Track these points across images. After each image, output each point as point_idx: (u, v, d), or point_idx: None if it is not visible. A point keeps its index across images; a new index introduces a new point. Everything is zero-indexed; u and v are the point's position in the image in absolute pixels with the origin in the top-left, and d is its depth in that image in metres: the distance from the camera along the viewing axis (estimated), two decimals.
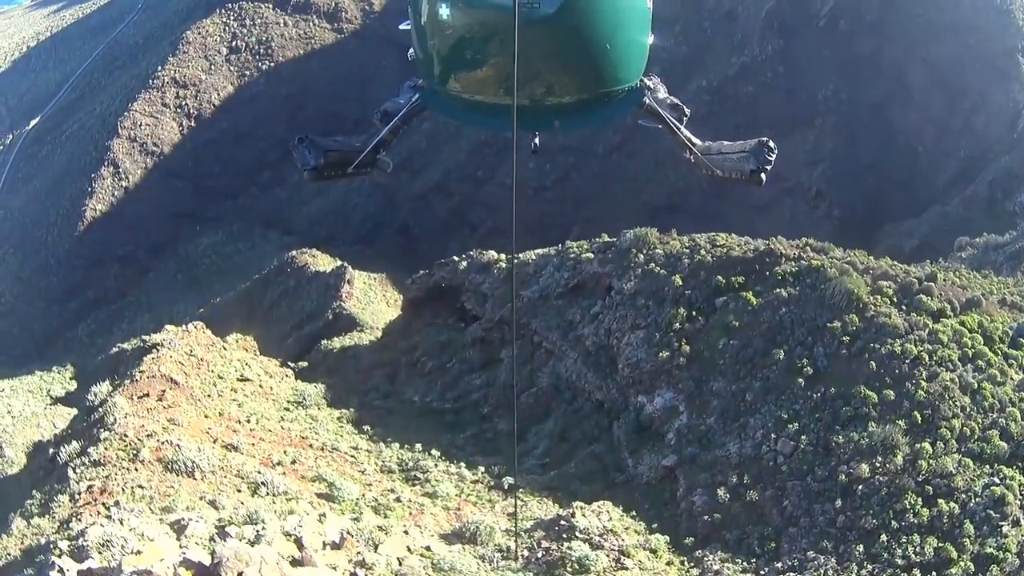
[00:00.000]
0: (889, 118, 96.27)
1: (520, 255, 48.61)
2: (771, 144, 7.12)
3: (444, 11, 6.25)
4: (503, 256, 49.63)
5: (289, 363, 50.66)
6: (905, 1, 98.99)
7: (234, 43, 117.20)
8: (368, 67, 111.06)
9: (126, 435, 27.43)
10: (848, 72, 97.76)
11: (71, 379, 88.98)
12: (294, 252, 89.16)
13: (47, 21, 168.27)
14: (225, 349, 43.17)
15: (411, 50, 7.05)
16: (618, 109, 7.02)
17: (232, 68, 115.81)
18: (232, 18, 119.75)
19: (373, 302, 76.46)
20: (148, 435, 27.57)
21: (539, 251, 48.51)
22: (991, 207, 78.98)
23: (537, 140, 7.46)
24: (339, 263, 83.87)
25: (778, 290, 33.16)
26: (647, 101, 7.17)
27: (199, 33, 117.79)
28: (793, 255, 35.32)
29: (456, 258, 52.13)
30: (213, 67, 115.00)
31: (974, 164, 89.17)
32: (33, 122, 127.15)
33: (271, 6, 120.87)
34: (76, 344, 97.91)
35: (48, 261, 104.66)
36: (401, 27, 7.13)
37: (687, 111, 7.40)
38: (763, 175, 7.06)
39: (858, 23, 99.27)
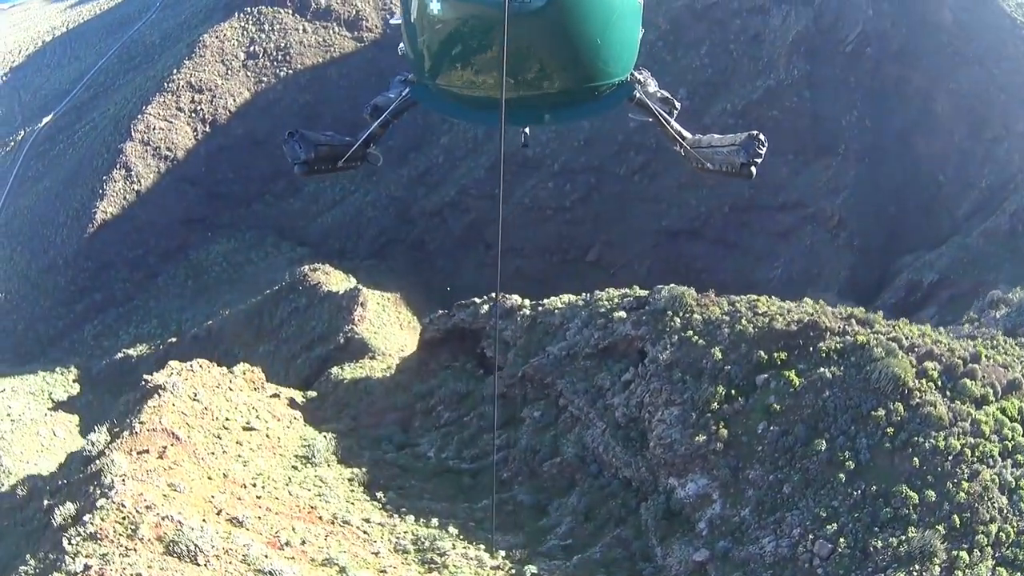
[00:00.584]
0: (912, 146, 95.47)
1: (545, 301, 46.96)
2: (761, 137, 7.16)
3: (434, 6, 6.30)
4: (526, 302, 47.85)
5: (295, 398, 48.97)
6: (932, 29, 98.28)
7: (252, 48, 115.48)
8: (387, 76, 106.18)
9: (124, 505, 25.92)
10: (873, 99, 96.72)
11: (74, 382, 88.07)
12: (306, 268, 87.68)
13: (63, 16, 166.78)
14: (231, 390, 41.55)
15: (401, 45, 7.25)
16: (608, 103, 7.08)
17: (249, 74, 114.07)
18: (251, 23, 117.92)
19: (386, 325, 74.96)
20: (147, 506, 26.02)
21: (566, 299, 46.70)
22: (1011, 240, 78.58)
23: (527, 131, 7.93)
24: (352, 284, 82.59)
25: (822, 369, 31.53)
26: (637, 94, 7.30)
27: (216, 37, 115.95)
28: (837, 329, 33.61)
29: (477, 300, 50.36)
30: (230, 72, 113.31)
31: (995, 194, 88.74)
32: (46, 119, 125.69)
33: (291, 12, 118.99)
34: (81, 346, 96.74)
35: (56, 261, 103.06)
36: (391, 21, 6.95)
37: (677, 104, 7.60)
38: (753, 168, 7.10)
39: (885, 50, 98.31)
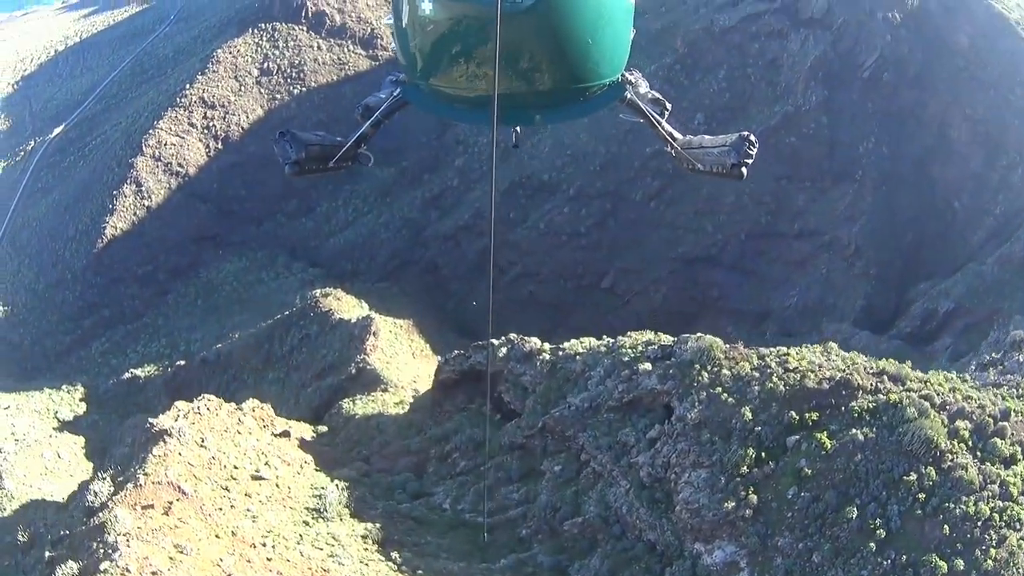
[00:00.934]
0: (929, 173, 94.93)
1: (565, 345, 45.92)
2: (752, 138, 7.22)
3: (425, 6, 6.34)
4: (546, 346, 46.77)
5: (305, 435, 47.91)
6: (949, 54, 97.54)
7: (265, 65, 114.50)
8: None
9: (129, 570, 25.01)
10: (890, 125, 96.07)
11: (80, 400, 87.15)
12: (318, 293, 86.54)
13: (76, 25, 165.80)
14: (239, 433, 40.56)
15: (393, 46, 7.14)
16: (599, 103, 7.08)
17: (263, 90, 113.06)
18: (264, 39, 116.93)
19: (399, 354, 73.72)
20: (153, 572, 25.10)
21: (587, 343, 45.59)
22: None
23: (518, 130, 7.90)
24: (365, 309, 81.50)
25: (854, 431, 30.69)
26: (628, 95, 7.34)
27: (230, 53, 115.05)
28: (870, 387, 32.60)
29: (495, 342, 49.25)
30: (243, 88, 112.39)
31: (1010, 221, 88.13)
32: (57, 130, 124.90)
33: (305, 29, 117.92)
34: (88, 363, 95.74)
35: (64, 276, 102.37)
36: (383, 22, 6.17)
37: (668, 105, 7.63)
38: (744, 169, 7.16)
39: (902, 75, 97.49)
